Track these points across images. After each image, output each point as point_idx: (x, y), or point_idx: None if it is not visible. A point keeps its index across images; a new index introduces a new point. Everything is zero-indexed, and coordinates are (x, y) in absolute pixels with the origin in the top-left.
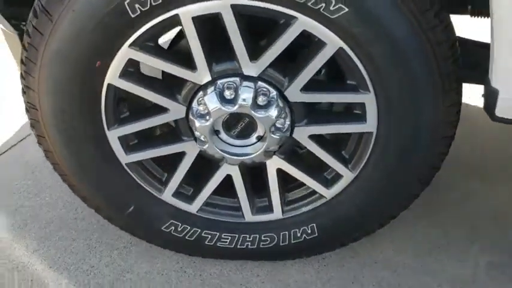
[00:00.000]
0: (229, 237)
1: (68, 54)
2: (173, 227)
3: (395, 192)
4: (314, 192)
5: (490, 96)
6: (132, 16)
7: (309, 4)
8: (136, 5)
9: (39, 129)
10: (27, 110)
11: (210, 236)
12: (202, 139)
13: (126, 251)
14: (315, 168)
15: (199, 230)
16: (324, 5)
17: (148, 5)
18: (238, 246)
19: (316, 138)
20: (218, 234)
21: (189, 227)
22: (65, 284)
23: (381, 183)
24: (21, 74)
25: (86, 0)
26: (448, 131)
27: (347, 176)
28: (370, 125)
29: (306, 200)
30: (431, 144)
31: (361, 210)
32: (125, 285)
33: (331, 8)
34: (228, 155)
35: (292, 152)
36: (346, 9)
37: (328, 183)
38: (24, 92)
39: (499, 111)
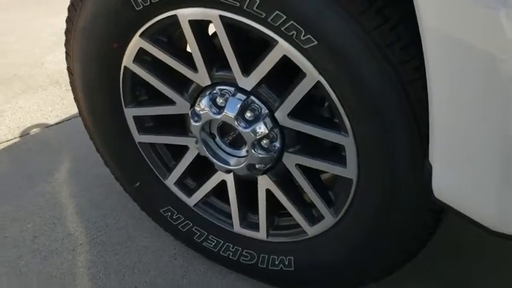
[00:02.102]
0: (215, 241)
1: (91, 33)
2: (170, 213)
3: (377, 249)
4: (299, 225)
5: (426, 173)
6: (137, 9)
7: (283, 29)
8: (139, 0)
9: (75, 92)
10: (68, 74)
11: (199, 233)
12: (196, 138)
13: (139, 221)
14: (305, 202)
15: (191, 224)
16: (295, 33)
17: (149, 2)
18: (221, 253)
19: (304, 169)
20: (206, 234)
21: (183, 218)
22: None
23: (360, 235)
24: (64, 42)
25: None
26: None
27: (328, 218)
28: (351, 171)
29: (290, 231)
30: (414, 210)
31: (339, 260)
32: (123, 252)
33: (302, 38)
34: (215, 160)
35: (287, 178)
36: (316, 42)
37: (313, 221)
38: (66, 57)
39: (436, 192)
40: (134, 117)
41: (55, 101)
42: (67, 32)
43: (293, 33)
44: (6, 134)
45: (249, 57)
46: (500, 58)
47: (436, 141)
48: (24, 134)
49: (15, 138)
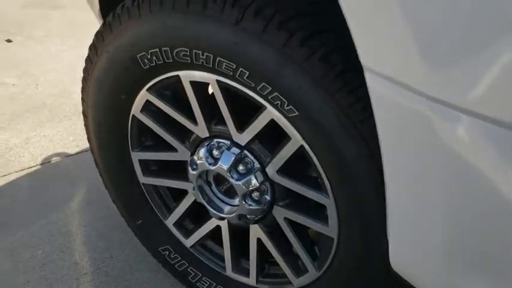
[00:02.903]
0: (208, 283)
1: (103, 84)
2: (168, 252)
3: None
4: (286, 275)
5: (385, 245)
6: (144, 68)
7: (269, 98)
8: (146, 60)
9: (88, 133)
10: (83, 117)
11: (193, 274)
12: (193, 185)
13: (142, 256)
14: (293, 253)
15: (187, 264)
16: (279, 102)
17: (154, 63)
18: None
19: (292, 223)
20: (200, 275)
21: (179, 258)
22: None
23: None
24: (81, 89)
25: (115, 46)
26: None
27: (312, 272)
28: (332, 230)
29: (278, 279)
30: (388, 275)
31: None
32: (123, 284)
33: (286, 108)
34: (209, 207)
35: (277, 229)
36: (297, 113)
37: (299, 272)
38: (82, 102)
39: (393, 264)
40: (140, 160)
41: (77, 131)
42: (83, 81)
43: (278, 103)
44: (29, 161)
45: (244, 116)
46: (444, 139)
47: (390, 216)
48: (46, 162)
49: (37, 165)
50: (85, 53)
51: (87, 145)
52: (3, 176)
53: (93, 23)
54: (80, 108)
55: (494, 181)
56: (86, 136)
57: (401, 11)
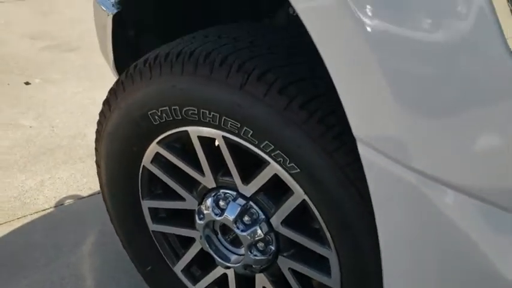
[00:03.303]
0: None
1: (115, 137)
2: None
3: None
4: None
5: None
6: (154, 123)
7: (272, 155)
8: (156, 117)
9: (100, 181)
10: (96, 166)
11: None
12: (200, 234)
13: None
14: None
15: None
16: (282, 159)
17: (164, 119)
18: None
19: (296, 273)
20: None
21: None
22: None
23: None
24: (94, 140)
25: (127, 104)
26: None
27: None
28: (334, 282)
29: None
30: None
31: None
32: None
33: (288, 165)
34: (216, 256)
35: (282, 278)
36: (299, 170)
37: None
38: (95, 153)
39: None
40: (149, 208)
41: (90, 173)
42: (97, 133)
43: (280, 160)
44: (43, 203)
45: (249, 168)
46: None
47: (385, 276)
48: (59, 205)
49: (51, 208)
50: (98, 94)
51: (99, 187)
52: (18, 218)
53: (106, 65)
54: (93, 151)
55: (481, 252)
56: (98, 178)
57: (390, 90)
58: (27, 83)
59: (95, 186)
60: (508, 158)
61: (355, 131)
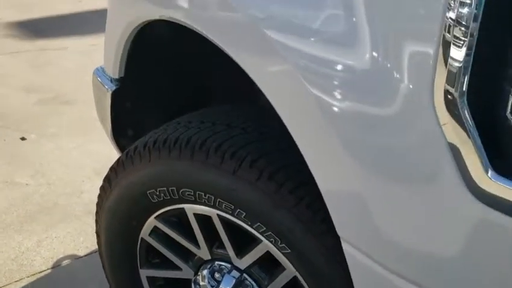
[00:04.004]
0: None
1: (115, 211)
2: None
3: None
4: None
5: None
6: (152, 201)
7: (265, 235)
8: (154, 195)
9: (100, 250)
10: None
11: None
12: None
13: None
14: None
15: None
16: (273, 240)
17: (162, 198)
18: None
19: None
20: None
21: None
22: None
23: None
24: (95, 212)
25: (127, 182)
26: None
27: None
28: None
29: None
30: None
31: None
32: None
33: (279, 245)
34: None
35: None
36: (289, 251)
37: None
38: (95, 224)
39: None
40: (147, 277)
41: (87, 231)
42: (97, 205)
43: (272, 240)
44: (40, 265)
45: (243, 242)
46: None
47: None
48: (56, 266)
49: (47, 269)
50: (94, 149)
51: (95, 246)
52: (15, 281)
53: None
54: (89, 209)
55: None
56: (95, 236)
57: (366, 195)
58: (23, 139)
59: (92, 245)
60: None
61: (338, 230)
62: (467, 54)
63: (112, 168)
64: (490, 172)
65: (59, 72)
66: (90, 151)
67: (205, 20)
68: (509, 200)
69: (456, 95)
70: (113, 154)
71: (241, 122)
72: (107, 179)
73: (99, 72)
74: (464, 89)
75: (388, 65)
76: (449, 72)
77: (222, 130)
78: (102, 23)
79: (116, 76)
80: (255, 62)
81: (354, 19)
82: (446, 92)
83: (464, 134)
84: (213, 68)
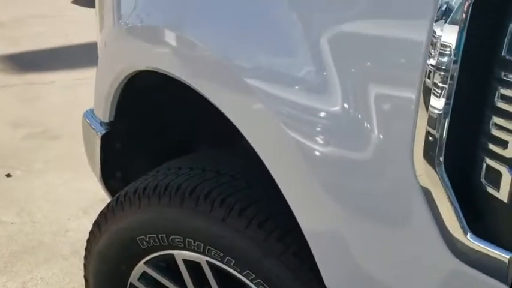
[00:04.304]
0: None
1: (104, 255)
2: None
3: None
4: None
5: None
6: (142, 247)
7: (254, 282)
8: (144, 242)
9: None
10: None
11: None
12: None
13: None
14: None
15: None
16: (262, 286)
17: (151, 244)
18: None
19: None
20: None
21: None
22: None
23: None
24: (83, 256)
25: (117, 228)
26: None
27: None
28: None
29: None
30: None
31: None
32: None
33: None
34: None
35: None
36: None
37: None
38: (84, 268)
39: None
40: None
41: (73, 271)
42: (86, 250)
43: (261, 287)
44: None
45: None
46: None
47: None
48: None
49: None
50: (81, 185)
51: (82, 287)
52: None
53: None
54: (75, 248)
55: None
56: (81, 276)
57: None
58: (8, 175)
59: (78, 286)
60: None
61: (325, 281)
62: (443, 123)
63: (102, 213)
64: (468, 234)
65: (46, 106)
66: (77, 188)
67: (188, 70)
68: (486, 260)
69: (435, 157)
70: (100, 192)
71: (230, 169)
72: (97, 224)
73: (89, 115)
74: (441, 157)
75: (367, 113)
76: (427, 137)
77: (211, 177)
78: (89, 57)
79: (106, 120)
80: (237, 108)
81: (334, 67)
82: (426, 151)
83: (443, 195)
84: (199, 113)
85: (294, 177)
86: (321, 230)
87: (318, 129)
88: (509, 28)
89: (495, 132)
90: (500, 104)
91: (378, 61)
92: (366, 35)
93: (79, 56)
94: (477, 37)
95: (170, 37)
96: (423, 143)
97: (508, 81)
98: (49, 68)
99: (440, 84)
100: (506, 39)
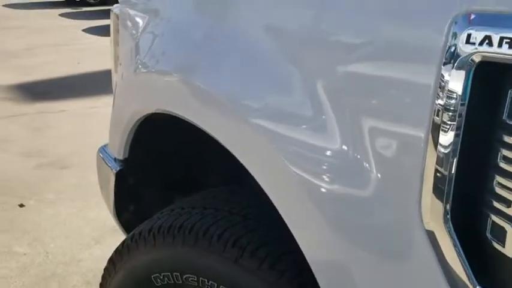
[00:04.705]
0: None
1: None
2: None
3: None
4: None
5: None
6: (156, 285)
7: None
8: (158, 279)
9: None
10: None
11: None
12: None
13: None
14: None
15: None
16: None
17: (166, 282)
18: None
19: None
20: None
21: None
22: None
23: None
24: None
25: (132, 266)
26: None
27: None
28: None
29: None
30: None
31: None
32: None
33: None
34: None
35: None
36: None
37: None
38: None
39: None
40: None
41: None
42: (101, 286)
43: None
44: None
45: None
46: None
47: None
48: None
49: None
50: (93, 215)
51: None
52: None
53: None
54: (87, 278)
55: None
56: None
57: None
58: (21, 205)
59: None
60: None
61: None
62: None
63: (117, 251)
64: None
65: (57, 135)
66: (89, 218)
67: (195, 112)
68: None
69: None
70: (110, 221)
71: (241, 209)
72: (111, 261)
73: (103, 151)
74: (448, 214)
75: (373, 154)
76: (435, 190)
77: (224, 217)
78: (99, 85)
79: (121, 157)
80: (243, 147)
81: (340, 107)
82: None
83: (451, 251)
84: (208, 151)
85: (300, 214)
86: (328, 267)
87: (324, 167)
88: (509, 94)
89: (499, 190)
90: (503, 165)
91: (383, 103)
92: (373, 77)
93: (89, 84)
94: (479, 101)
95: (176, 81)
96: (430, 197)
97: (509, 144)
98: (60, 96)
99: (447, 145)
100: (506, 104)
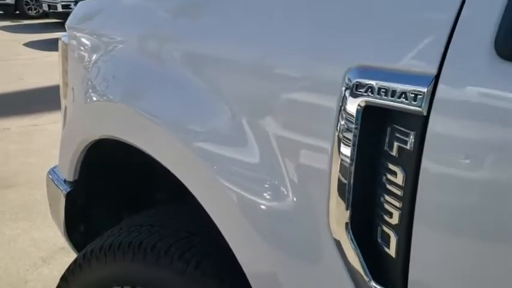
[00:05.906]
0: None
1: None
2: None
3: None
4: None
5: None
6: None
7: None
8: None
9: None
10: None
11: None
12: None
13: None
14: None
15: None
16: None
17: None
18: None
19: None
20: None
21: None
22: None
23: None
24: None
25: (84, 282)
26: None
27: None
28: None
29: None
30: None
31: None
32: None
33: None
34: None
35: None
36: None
37: None
38: None
39: None
40: None
41: None
42: None
43: None
44: None
45: None
46: None
47: None
48: None
49: None
50: (39, 235)
51: None
52: None
53: (46, 202)
54: None
55: None
56: None
57: None
58: None
59: None
60: None
61: None
62: (348, 196)
63: (69, 269)
64: (372, 282)
65: (1, 154)
66: (35, 238)
67: (138, 137)
68: None
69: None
70: (59, 240)
71: (186, 225)
72: (64, 279)
73: (53, 173)
74: (349, 224)
75: (289, 170)
76: (338, 204)
77: (170, 234)
78: (44, 101)
79: (71, 179)
80: (178, 164)
81: (257, 127)
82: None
83: (352, 253)
84: (154, 172)
85: (232, 224)
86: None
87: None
88: (388, 132)
89: (384, 204)
90: (385, 183)
91: (297, 124)
92: (289, 102)
93: (33, 100)
94: (367, 135)
95: (119, 110)
96: (335, 209)
97: (389, 168)
98: (2, 114)
99: (347, 166)
100: (386, 139)
